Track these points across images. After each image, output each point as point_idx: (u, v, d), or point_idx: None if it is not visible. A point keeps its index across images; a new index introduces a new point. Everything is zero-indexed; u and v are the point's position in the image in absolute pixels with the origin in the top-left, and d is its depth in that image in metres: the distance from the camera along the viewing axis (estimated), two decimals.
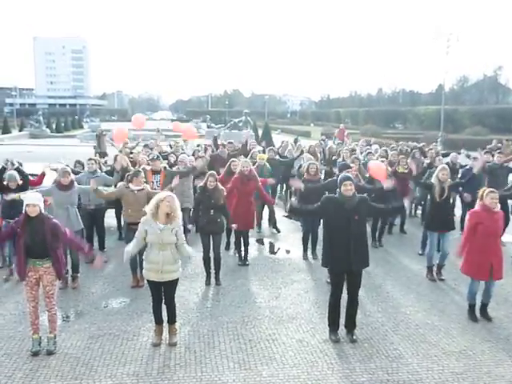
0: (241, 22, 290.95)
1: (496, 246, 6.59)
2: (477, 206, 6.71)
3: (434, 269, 8.32)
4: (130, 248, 5.94)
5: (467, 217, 6.84)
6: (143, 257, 5.99)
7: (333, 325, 6.14)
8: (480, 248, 6.48)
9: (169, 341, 5.93)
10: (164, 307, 6.02)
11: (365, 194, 6.84)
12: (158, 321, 6.03)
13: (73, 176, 8.07)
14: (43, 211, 5.71)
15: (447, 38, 36.02)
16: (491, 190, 6.63)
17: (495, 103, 73.89)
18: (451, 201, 8.40)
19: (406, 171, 10.50)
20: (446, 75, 40.77)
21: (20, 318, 6.43)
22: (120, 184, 8.20)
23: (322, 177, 12.40)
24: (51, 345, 5.70)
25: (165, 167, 9.73)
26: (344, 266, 5.94)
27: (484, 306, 6.79)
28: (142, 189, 7.82)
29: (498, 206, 6.73)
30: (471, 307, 6.79)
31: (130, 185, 7.90)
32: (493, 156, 11.34)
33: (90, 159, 9.34)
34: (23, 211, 5.62)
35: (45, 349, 5.68)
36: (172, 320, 6.03)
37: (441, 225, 8.18)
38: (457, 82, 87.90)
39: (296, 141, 17.20)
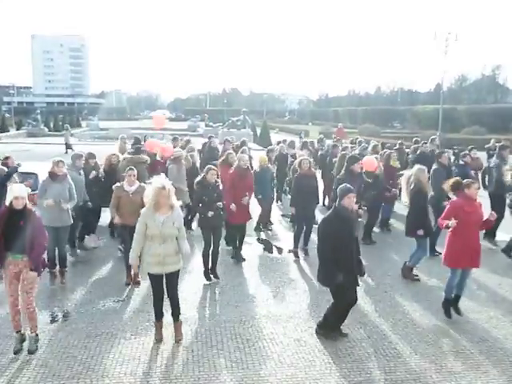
0: (239, 21, 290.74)
1: (476, 234, 6.67)
2: (457, 197, 6.80)
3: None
4: (133, 251, 5.87)
5: (447, 205, 6.89)
6: (144, 250, 5.85)
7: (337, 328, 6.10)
8: (461, 238, 6.52)
9: (175, 338, 5.91)
10: (165, 303, 6.01)
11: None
12: (159, 316, 5.98)
13: (65, 169, 7.94)
14: (28, 204, 5.61)
15: (446, 38, 35.97)
16: (472, 180, 6.79)
17: (493, 102, 74.03)
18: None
19: (399, 166, 11.10)
20: (444, 74, 40.79)
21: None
22: (114, 186, 8.13)
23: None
24: (32, 344, 5.65)
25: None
26: (355, 282, 5.94)
27: (457, 298, 6.77)
28: (138, 191, 7.72)
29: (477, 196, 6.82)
30: (447, 301, 6.75)
31: (124, 184, 7.86)
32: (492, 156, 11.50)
33: (79, 156, 9.22)
34: (6, 203, 5.51)
35: (27, 348, 5.64)
36: (176, 315, 5.99)
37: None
38: (455, 82, 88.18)
39: (301, 137, 17.30)
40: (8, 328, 6.14)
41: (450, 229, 6.55)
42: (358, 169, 9.21)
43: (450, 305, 6.74)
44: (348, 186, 6.02)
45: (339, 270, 5.71)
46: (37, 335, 5.75)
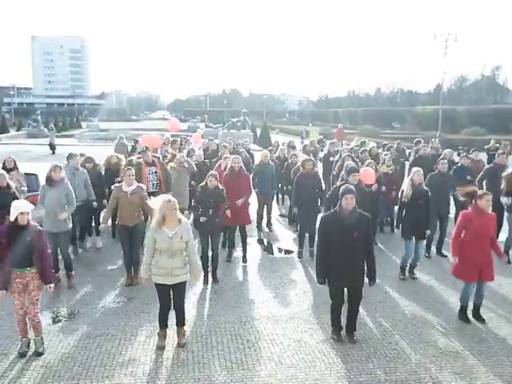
0: (239, 22, 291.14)
1: (487, 247, 6.51)
2: (469, 208, 6.68)
3: (407, 269, 8.33)
4: (144, 264, 5.83)
5: (459, 217, 6.80)
6: (152, 263, 5.82)
7: (336, 326, 6.13)
8: (470, 250, 6.43)
9: (178, 342, 5.88)
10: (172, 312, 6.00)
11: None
12: (163, 325, 5.94)
13: (63, 173, 7.93)
14: (31, 220, 5.64)
15: (445, 38, 35.95)
16: (485, 192, 6.58)
17: (493, 103, 73.95)
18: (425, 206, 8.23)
19: (391, 172, 10.81)
20: (444, 75, 40.76)
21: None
22: (113, 187, 8.15)
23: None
24: (39, 346, 5.68)
25: (159, 158, 9.67)
26: (343, 283, 5.96)
27: (476, 308, 6.73)
28: (136, 191, 7.76)
29: (490, 208, 6.63)
30: (463, 308, 6.75)
31: (123, 184, 7.87)
32: (493, 157, 11.41)
33: (73, 155, 9.27)
34: (11, 219, 5.50)
35: (33, 350, 5.66)
36: (180, 323, 5.97)
37: (415, 233, 8.12)
38: (455, 82, 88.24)
39: (302, 137, 17.20)
40: (8, 329, 6.16)
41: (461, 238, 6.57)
42: (354, 180, 8.47)
43: (466, 311, 6.71)
44: (348, 187, 6.05)
45: (326, 270, 5.92)
46: (42, 338, 5.78)
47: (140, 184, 8.08)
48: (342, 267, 5.81)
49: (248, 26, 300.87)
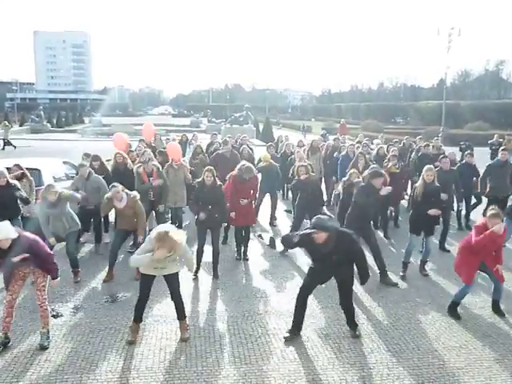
0: (242, 17, 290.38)
1: (497, 256, 6.50)
2: (481, 223, 6.42)
3: (409, 265, 8.26)
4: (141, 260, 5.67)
5: (473, 229, 6.48)
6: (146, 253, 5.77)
7: (295, 325, 6.05)
8: (480, 258, 6.40)
9: (181, 336, 5.88)
10: (172, 304, 6.03)
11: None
12: (137, 319, 5.88)
13: (58, 189, 7.60)
14: (15, 236, 5.29)
15: (449, 33, 35.72)
16: (493, 213, 6.30)
17: (497, 98, 73.69)
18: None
19: (398, 171, 10.75)
20: (447, 70, 40.41)
21: (20, 313, 6.39)
22: (104, 198, 7.81)
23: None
24: (44, 340, 5.68)
25: (158, 168, 9.55)
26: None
27: (496, 302, 6.72)
28: (128, 206, 7.57)
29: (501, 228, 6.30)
30: (454, 304, 6.69)
31: (114, 200, 7.59)
32: (496, 152, 11.36)
33: (83, 165, 9.17)
34: None
35: (38, 343, 5.68)
36: (181, 316, 5.97)
37: (424, 228, 8.07)
38: (458, 77, 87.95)
39: (304, 130, 17.01)
40: (11, 323, 6.16)
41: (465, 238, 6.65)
42: (378, 185, 7.71)
43: (456, 309, 6.67)
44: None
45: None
46: (48, 331, 5.79)
47: (131, 194, 7.70)
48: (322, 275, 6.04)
49: (251, 21, 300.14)
